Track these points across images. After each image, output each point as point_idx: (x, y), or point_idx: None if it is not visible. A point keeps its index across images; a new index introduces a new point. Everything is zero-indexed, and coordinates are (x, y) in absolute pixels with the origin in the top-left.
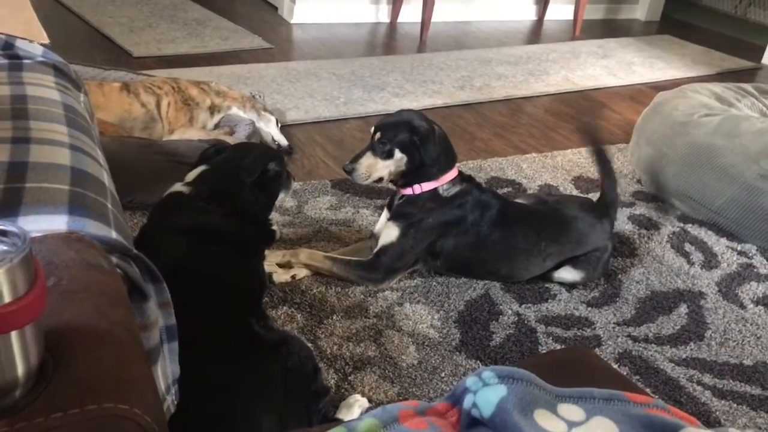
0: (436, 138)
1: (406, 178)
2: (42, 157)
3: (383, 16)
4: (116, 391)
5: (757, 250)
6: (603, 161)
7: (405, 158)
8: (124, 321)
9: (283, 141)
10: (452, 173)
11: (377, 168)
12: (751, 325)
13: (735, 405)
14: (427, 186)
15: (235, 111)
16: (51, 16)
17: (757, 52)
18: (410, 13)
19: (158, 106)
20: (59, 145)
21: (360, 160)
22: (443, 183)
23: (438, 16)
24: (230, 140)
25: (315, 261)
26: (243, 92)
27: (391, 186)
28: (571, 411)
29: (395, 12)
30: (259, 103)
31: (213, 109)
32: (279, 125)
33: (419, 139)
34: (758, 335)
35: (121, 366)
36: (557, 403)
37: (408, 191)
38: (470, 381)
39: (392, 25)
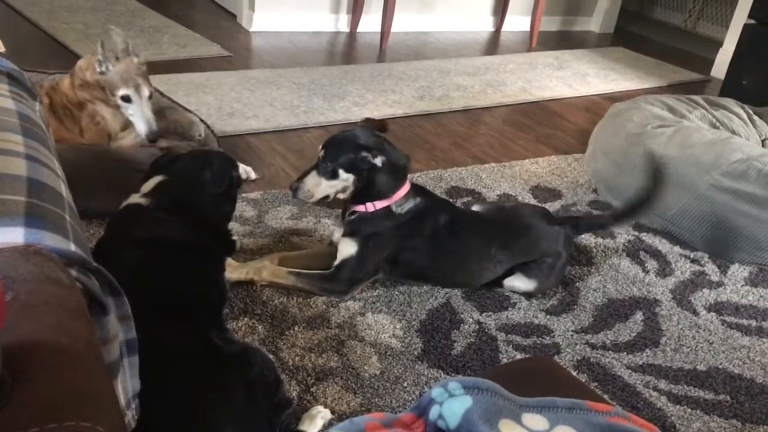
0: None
1: (357, 195)
2: None
3: (343, 25)
4: (78, 409)
5: (708, 258)
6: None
7: (353, 177)
8: (85, 336)
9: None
10: (404, 188)
11: (321, 188)
12: (703, 331)
13: (689, 410)
14: (380, 204)
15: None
16: (2, 22)
17: (706, 65)
18: (370, 23)
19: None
20: (15, 155)
21: (305, 179)
22: (396, 199)
23: (397, 26)
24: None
25: (278, 278)
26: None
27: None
28: (535, 420)
29: (355, 21)
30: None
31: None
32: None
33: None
34: (710, 341)
35: (83, 382)
36: (521, 413)
37: (360, 208)
38: (436, 392)
39: (352, 34)
